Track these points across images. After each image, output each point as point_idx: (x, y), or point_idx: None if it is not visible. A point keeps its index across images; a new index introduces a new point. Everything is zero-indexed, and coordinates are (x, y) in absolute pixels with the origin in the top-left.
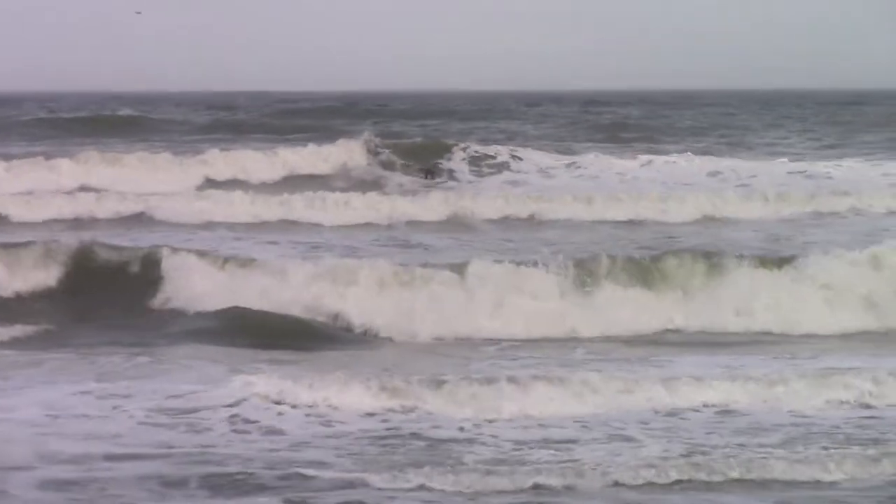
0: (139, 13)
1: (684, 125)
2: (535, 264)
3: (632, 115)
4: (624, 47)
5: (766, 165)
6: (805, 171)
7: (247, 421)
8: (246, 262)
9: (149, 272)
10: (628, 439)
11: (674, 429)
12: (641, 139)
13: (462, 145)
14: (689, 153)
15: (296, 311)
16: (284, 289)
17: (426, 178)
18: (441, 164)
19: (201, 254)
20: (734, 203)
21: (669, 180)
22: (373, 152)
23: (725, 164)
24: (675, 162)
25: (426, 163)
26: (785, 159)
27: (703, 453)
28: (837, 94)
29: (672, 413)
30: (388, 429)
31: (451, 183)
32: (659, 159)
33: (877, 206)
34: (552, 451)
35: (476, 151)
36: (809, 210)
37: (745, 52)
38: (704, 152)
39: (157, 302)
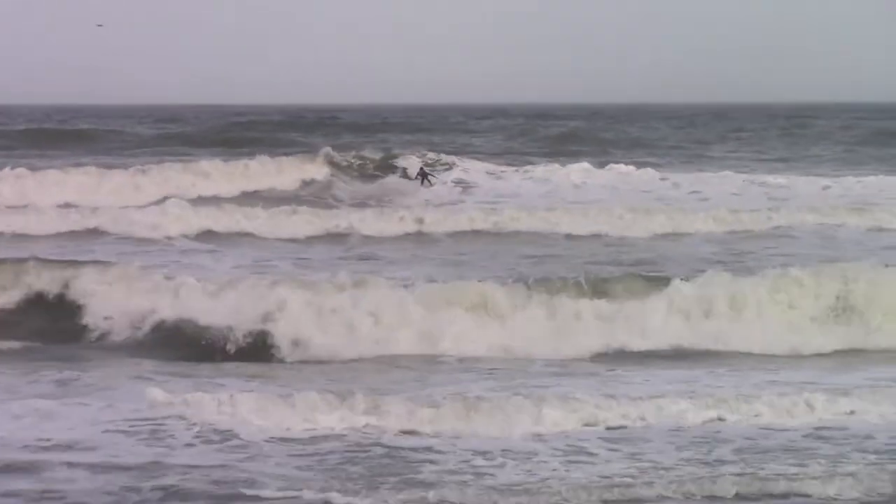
0: (100, 26)
1: (635, 138)
2: (488, 281)
3: (583, 128)
4: (575, 61)
5: (716, 178)
6: (754, 184)
7: (206, 434)
8: (194, 277)
9: (93, 287)
10: (589, 454)
11: (634, 442)
12: (592, 151)
13: (418, 154)
14: (647, 167)
15: (247, 325)
16: (233, 303)
17: (423, 183)
18: (433, 174)
19: (145, 268)
20: (688, 216)
21: (620, 191)
22: (335, 165)
23: (676, 176)
24: (626, 173)
25: (422, 168)
26: (734, 172)
27: (666, 469)
28: (790, 107)
29: (631, 428)
30: (347, 444)
31: (439, 188)
32: (612, 170)
33: (832, 220)
34: (513, 464)
35: (430, 160)
36: (761, 224)
37: (699, 66)
38: (656, 164)
39: (98, 317)
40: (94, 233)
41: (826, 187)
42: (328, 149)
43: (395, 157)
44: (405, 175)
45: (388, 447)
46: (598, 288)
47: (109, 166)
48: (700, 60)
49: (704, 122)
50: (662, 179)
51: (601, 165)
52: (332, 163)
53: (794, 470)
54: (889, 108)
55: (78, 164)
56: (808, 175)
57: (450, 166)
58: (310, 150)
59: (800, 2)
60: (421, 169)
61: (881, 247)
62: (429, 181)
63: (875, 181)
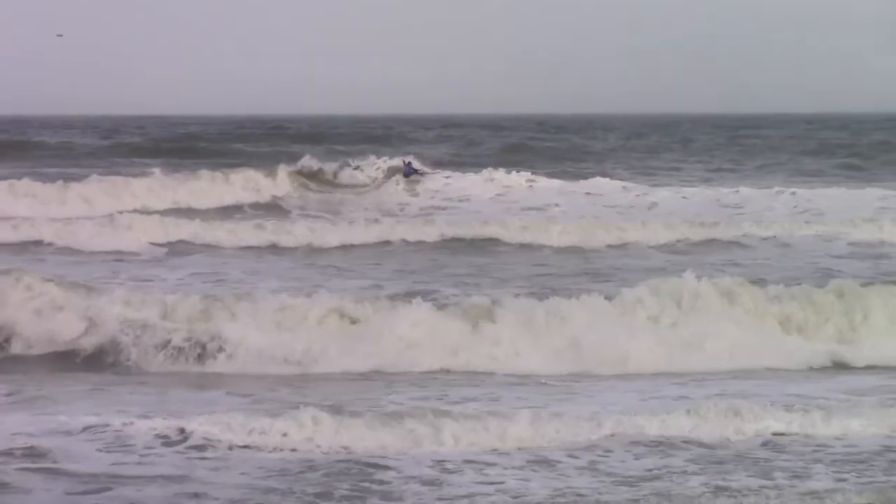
0: (60, 35)
1: (583, 148)
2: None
3: (530, 138)
4: (525, 71)
5: (666, 188)
6: (704, 194)
7: (168, 441)
8: (135, 291)
9: (29, 300)
10: (552, 466)
11: (598, 455)
12: (540, 161)
13: (379, 162)
14: (598, 176)
15: (190, 337)
16: (172, 315)
17: (406, 176)
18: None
19: (88, 280)
20: (638, 225)
21: (571, 200)
22: (293, 175)
23: (626, 185)
24: (576, 182)
25: (410, 163)
26: (683, 182)
27: (629, 485)
28: (737, 117)
29: (595, 443)
30: (310, 456)
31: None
32: (562, 179)
33: (782, 230)
34: (473, 475)
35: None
36: (713, 233)
37: (649, 76)
38: (606, 174)
39: (34, 330)
40: (39, 245)
41: (778, 193)
42: (283, 164)
43: (349, 165)
44: (356, 168)
45: (350, 459)
46: (550, 303)
47: (67, 178)
48: (651, 71)
49: (652, 132)
50: (613, 188)
51: (553, 175)
52: (289, 174)
53: (760, 482)
54: (833, 118)
55: (27, 175)
56: (758, 185)
57: (426, 193)
58: (262, 161)
59: (748, 14)
60: (409, 164)
61: (832, 255)
62: (418, 174)
63: (824, 192)
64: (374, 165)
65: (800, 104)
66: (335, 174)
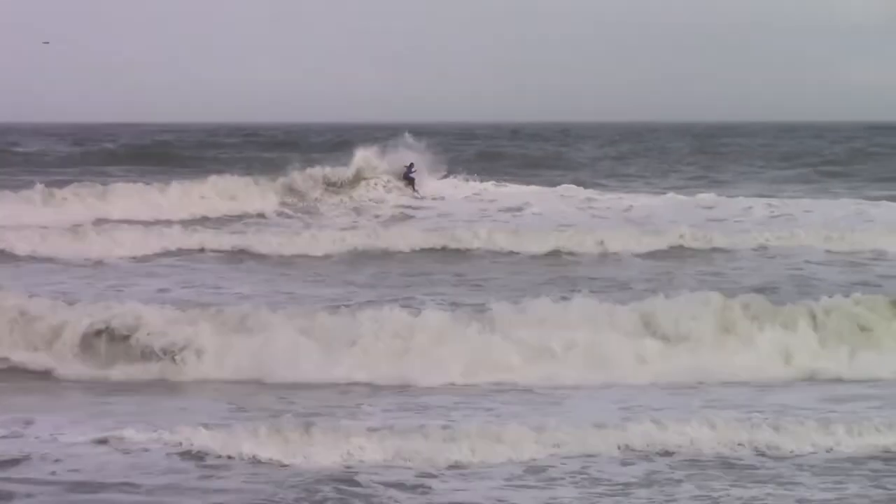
0: (47, 43)
1: (557, 156)
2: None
3: (506, 146)
4: (496, 79)
5: (640, 195)
6: (676, 202)
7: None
8: (112, 300)
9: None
10: (540, 476)
11: (585, 464)
12: (516, 169)
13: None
14: (570, 185)
15: (160, 350)
16: (150, 327)
17: (406, 183)
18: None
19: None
20: (612, 233)
21: (547, 205)
22: (281, 181)
23: (599, 193)
24: (552, 188)
25: (409, 167)
26: (654, 189)
27: (617, 495)
28: (707, 126)
29: (581, 452)
30: (287, 467)
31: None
32: (536, 185)
33: (758, 239)
34: (461, 486)
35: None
36: (688, 242)
37: (619, 85)
38: (580, 181)
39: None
40: (13, 254)
41: (755, 200)
42: (261, 171)
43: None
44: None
45: (333, 467)
46: (521, 309)
47: (44, 185)
48: (620, 80)
49: (624, 140)
50: (588, 194)
51: (525, 181)
52: (270, 179)
53: (750, 493)
54: (810, 126)
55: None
56: (735, 193)
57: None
58: (237, 168)
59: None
60: (409, 167)
61: (810, 262)
62: (414, 188)
63: (799, 201)
64: (357, 165)
65: (797, 112)
66: (316, 177)
